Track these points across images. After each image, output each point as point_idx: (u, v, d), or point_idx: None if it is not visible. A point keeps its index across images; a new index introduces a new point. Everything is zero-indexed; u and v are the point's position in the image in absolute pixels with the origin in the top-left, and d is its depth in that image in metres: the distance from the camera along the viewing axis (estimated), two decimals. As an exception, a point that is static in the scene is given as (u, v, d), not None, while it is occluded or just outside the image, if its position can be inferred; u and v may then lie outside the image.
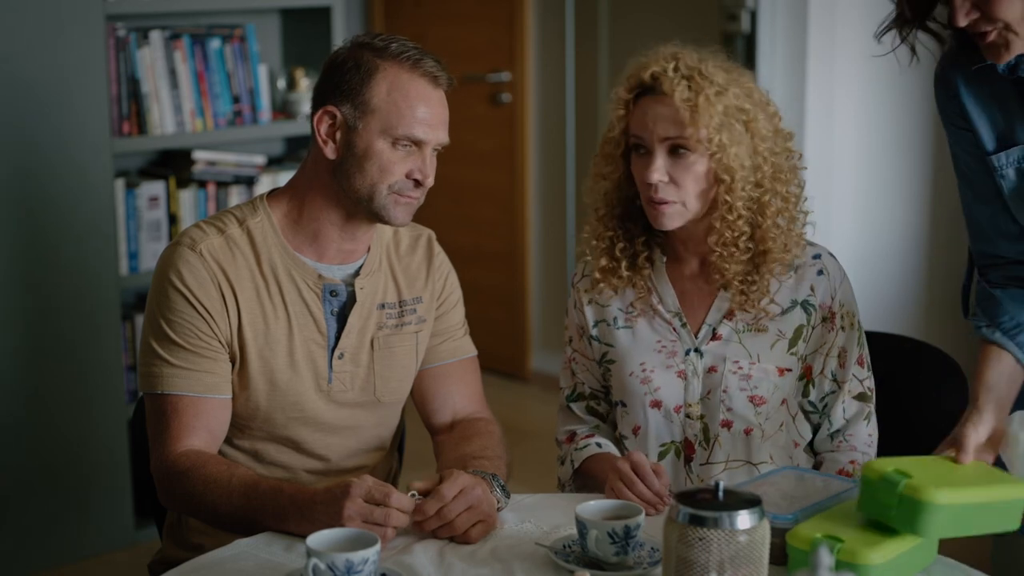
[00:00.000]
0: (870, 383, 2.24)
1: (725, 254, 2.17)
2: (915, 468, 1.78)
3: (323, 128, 2.10)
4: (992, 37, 1.85)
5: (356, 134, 2.08)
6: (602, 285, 2.27)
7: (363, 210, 2.12)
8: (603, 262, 2.26)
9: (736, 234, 2.16)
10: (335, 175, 2.11)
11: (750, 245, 2.18)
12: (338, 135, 2.10)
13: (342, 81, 2.08)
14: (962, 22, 1.84)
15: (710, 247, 2.19)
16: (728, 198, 2.15)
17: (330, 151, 2.10)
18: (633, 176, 2.19)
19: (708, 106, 2.11)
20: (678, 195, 2.14)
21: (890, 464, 1.77)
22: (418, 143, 2.08)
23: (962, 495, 1.74)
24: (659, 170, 2.13)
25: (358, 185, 2.09)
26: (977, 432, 1.91)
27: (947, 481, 1.77)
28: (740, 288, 2.19)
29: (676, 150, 2.13)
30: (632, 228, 2.26)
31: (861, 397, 2.23)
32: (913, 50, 1.95)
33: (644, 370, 2.23)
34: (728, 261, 2.17)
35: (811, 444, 2.27)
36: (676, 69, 2.12)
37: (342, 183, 2.10)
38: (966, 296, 2.20)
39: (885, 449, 2.29)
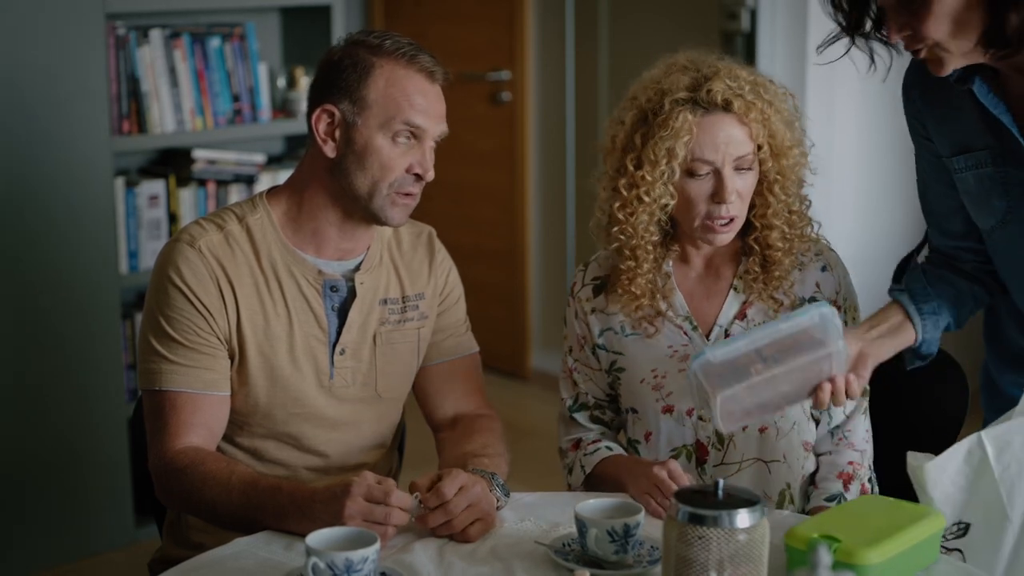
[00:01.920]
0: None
1: (773, 243, 2.19)
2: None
3: (321, 127, 2.10)
4: (924, 54, 1.85)
5: (355, 130, 2.08)
6: (621, 299, 2.23)
7: (360, 209, 2.12)
8: (639, 288, 2.21)
9: (776, 226, 2.18)
10: (334, 173, 2.11)
11: (790, 217, 2.21)
12: (337, 133, 2.10)
13: (339, 79, 2.09)
14: (894, 39, 1.86)
15: (749, 244, 2.20)
16: (770, 198, 2.18)
17: (330, 149, 2.10)
18: (682, 199, 2.15)
19: (767, 125, 2.14)
20: (740, 210, 2.16)
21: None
22: (417, 134, 2.09)
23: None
24: (733, 192, 2.13)
25: (359, 183, 2.09)
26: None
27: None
28: (760, 273, 2.20)
29: (740, 169, 2.14)
30: (660, 246, 2.24)
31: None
32: (871, 58, 1.97)
33: (656, 376, 2.22)
34: (771, 249, 2.19)
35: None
36: (739, 89, 2.12)
37: (341, 181, 2.10)
38: (903, 265, 2.22)
39: (885, 449, 2.29)
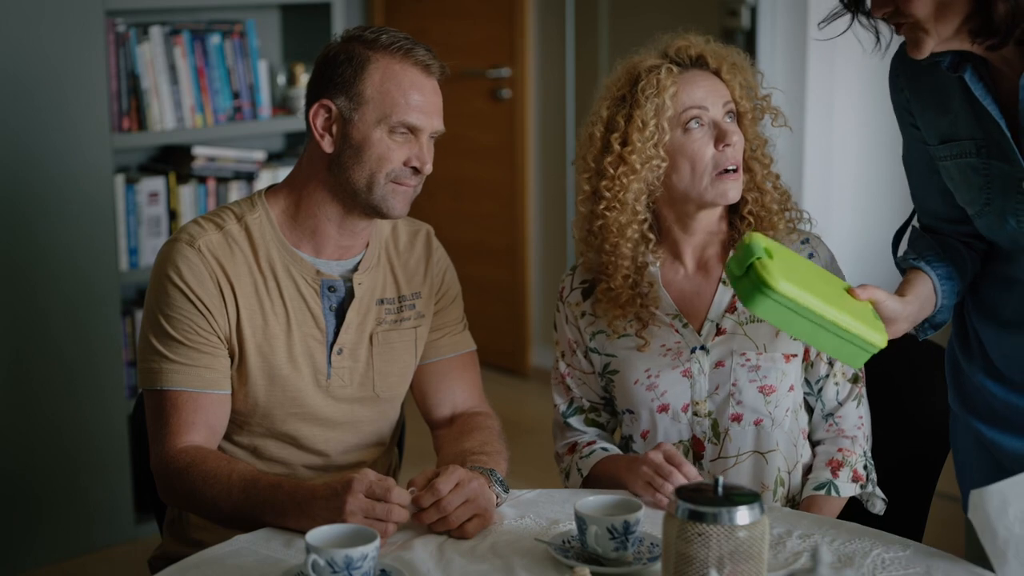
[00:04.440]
0: None
1: (764, 205, 2.22)
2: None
3: (319, 122, 2.11)
4: (904, 31, 1.86)
5: (352, 125, 2.08)
6: (602, 307, 2.23)
7: (360, 203, 2.11)
8: (617, 284, 2.21)
9: (768, 171, 2.22)
10: (332, 169, 2.11)
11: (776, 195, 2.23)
12: (334, 128, 2.10)
13: (335, 74, 2.09)
14: (877, 13, 1.87)
15: (746, 213, 2.22)
16: (759, 156, 2.22)
17: (327, 144, 2.10)
18: (682, 159, 2.16)
19: (743, 73, 2.20)
20: (741, 159, 2.19)
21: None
22: (414, 130, 2.09)
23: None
24: (737, 132, 2.16)
25: (356, 176, 2.09)
26: (888, 296, 1.97)
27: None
28: None
29: (729, 115, 2.18)
30: (655, 228, 2.24)
31: (854, 379, 2.25)
32: (876, 36, 1.97)
33: (649, 376, 2.22)
34: (770, 201, 2.22)
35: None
36: (707, 43, 2.21)
37: (339, 176, 2.10)
38: (897, 241, 2.21)
39: (884, 445, 2.30)
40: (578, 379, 2.30)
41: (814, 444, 2.26)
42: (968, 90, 1.92)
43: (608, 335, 2.25)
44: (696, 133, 2.15)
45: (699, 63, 2.19)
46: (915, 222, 2.19)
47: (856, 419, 2.25)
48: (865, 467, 2.22)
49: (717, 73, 2.19)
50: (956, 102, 1.96)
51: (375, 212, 2.13)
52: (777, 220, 2.21)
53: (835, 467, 2.19)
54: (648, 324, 2.22)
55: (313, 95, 2.13)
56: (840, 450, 2.21)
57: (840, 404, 2.24)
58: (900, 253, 2.17)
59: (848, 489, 2.18)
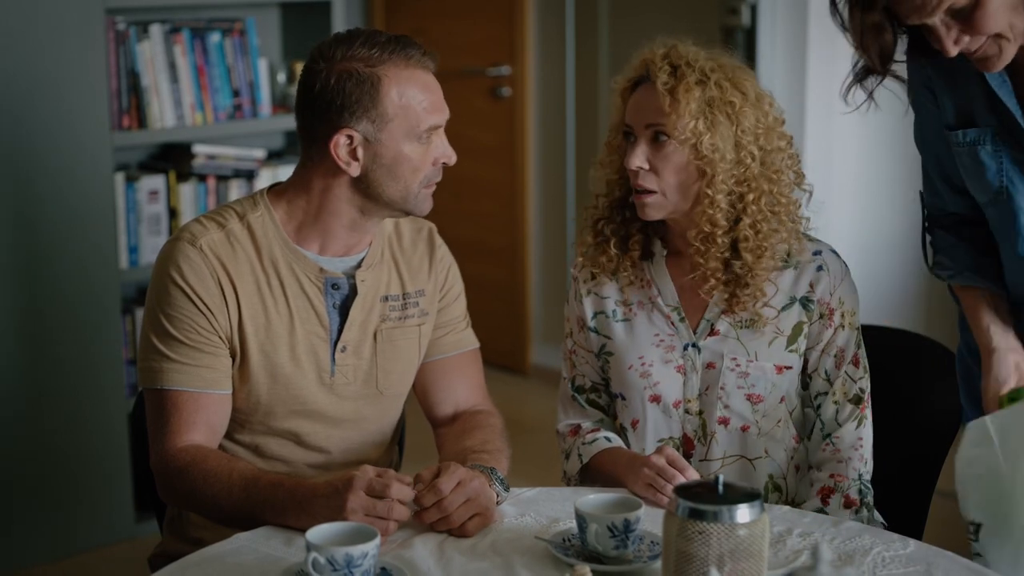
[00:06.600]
0: (864, 383, 2.21)
1: (702, 248, 2.16)
2: None
3: (342, 152, 2.07)
4: (984, 51, 1.84)
5: (381, 145, 2.06)
6: (596, 271, 2.27)
7: (389, 211, 2.13)
8: (589, 239, 2.28)
9: (713, 228, 2.14)
10: (357, 186, 2.09)
11: (726, 240, 2.16)
12: (359, 151, 2.08)
13: (348, 101, 2.04)
14: (953, 51, 1.83)
15: (689, 240, 2.19)
16: (708, 191, 2.13)
17: (354, 169, 2.08)
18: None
19: (687, 93, 2.11)
20: (658, 184, 2.15)
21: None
22: (434, 129, 2.10)
23: None
24: (639, 156, 2.15)
25: (391, 191, 2.09)
26: (999, 372, 2.00)
27: None
28: (727, 289, 2.18)
29: (657, 137, 2.14)
30: (630, 215, 2.25)
31: (855, 400, 2.20)
32: (871, 96, 1.98)
33: (643, 364, 2.22)
34: (704, 256, 2.16)
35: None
36: (665, 57, 2.15)
37: (368, 191, 2.09)
38: (925, 244, 2.22)
39: (884, 444, 2.29)
40: (582, 357, 2.32)
41: (810, 467, 2.23)
42: (984, 79, 1.92)
43: (608, 316, 2.26)
44: (627, 146, 2.19)
45: (650, 76, 2.15)
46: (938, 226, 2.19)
47: (854, 440, 2.19)
48: (860, 491, 2.17)
49: (671, 91, 2.12)
50: (974, 88, 1.96)
51: (403, 215, 2.16)
52: (706, 259, 2.16)
53: (825, 495, 2.16)
54: (647, 289, 2.24)
55: (328, 126, 2.06)
56: (832, 476, 2.17)
57: (839, 424, 2.20)
58: (930, 255, 2.17)
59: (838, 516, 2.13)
